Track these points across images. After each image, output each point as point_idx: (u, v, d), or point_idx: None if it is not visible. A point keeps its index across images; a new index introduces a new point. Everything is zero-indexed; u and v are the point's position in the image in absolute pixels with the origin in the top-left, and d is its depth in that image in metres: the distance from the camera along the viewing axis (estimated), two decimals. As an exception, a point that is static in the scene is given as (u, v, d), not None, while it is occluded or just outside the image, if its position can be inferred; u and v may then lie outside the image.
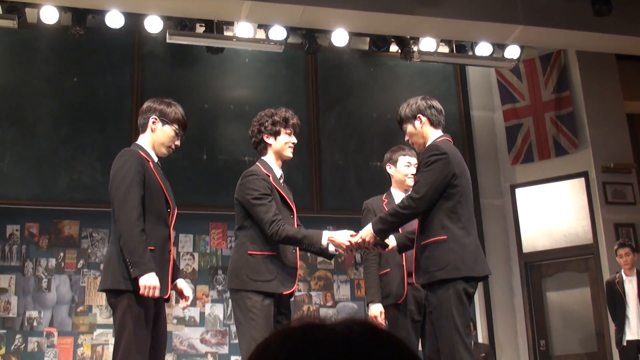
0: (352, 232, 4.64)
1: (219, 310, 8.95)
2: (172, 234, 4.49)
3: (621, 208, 9.62)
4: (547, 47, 9.97)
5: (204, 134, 9.24)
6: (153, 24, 8.50)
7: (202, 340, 8.82)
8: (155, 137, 4.57)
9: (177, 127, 4.66)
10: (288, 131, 4.83)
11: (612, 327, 8.56)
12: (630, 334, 8.19)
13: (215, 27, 8.64)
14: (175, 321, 8.78)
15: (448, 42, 9.46)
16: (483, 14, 8.60)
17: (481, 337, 9.69)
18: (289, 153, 4.85)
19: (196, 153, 9.24)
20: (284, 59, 9.78)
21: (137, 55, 9.44)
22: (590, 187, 9.75)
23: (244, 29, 8.58)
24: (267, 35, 8.73)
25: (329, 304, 9.39)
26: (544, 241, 9.90)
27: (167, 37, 8.49)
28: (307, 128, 9.72)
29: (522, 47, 9.61)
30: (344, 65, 10.25)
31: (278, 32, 8.72)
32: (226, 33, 8.72)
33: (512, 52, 9.59)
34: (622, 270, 8.35)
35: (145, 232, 4.20)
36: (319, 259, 9.28)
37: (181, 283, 4.58)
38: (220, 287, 8.92)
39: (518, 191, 10.23)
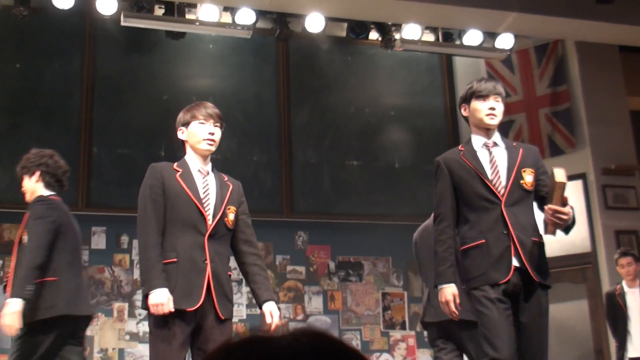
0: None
1: (176, 325, 8.52)
2: (208, 243, 4.37)
3: (622, 214, 9.45)
4: (543, 36, 9.82)
5: (163, 128, 8.95)
6: (106, 5, 8.25)
7: (158, 359, 8.36)
8: (190, 142, 4.58)
9: (198, 117, 4.55)
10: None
11: (613, 343, 8.42)
12: (633, 351, 8.00)
13: (176, 9, 8.39)
14: (127, 337, 8.52)
15: (433, 30, 9.30)
16: None
17: (467, 355, 9.36)
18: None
19: (153, 149, 9.03)
20: (252, 45, 9.64)
21: (88, 40, 9.23)
22: (589, 190, 9.58)
23: (208, 12, 8.37)
24: (233, 19, 8.53)
25: (300, 317, 9.20)
26: (537, 249, 9.58)
27: (121, 19, 8.23)
28: (277, 123, 9.63)
29: (515, 37, 9.45)
30: (318, 54, 10.12)
31: (246, 16, 8.50)
32: (188, 16, 8.49)
33: (504, 41, 9.40)
34: (624, 282, 8.35)
35: (166, 245, 4.32)
36: (289, 267, 9.02)
37: (267, 307, 4.47)
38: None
39: (509, 194, 9.88)
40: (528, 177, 4.52)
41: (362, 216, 9.57)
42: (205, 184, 4.50)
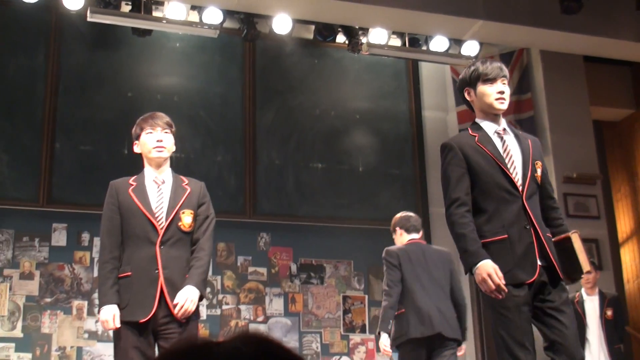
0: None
1: (135, 324, 8.49)
2: (160, 250, 4.51)
3: (584, 222, 9.44)
4: (508, 44, 9.86)
5: (126, 125, 8.62)
6: (72, 0, 8.18)
7: (117, 357, 8.34)
8: (143, 153, 4.73)
9: (145, 127, 4.71)
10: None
11: None
12: (591, 359, 8.14)
13: (142, 6, 8.36)
14: (86, 335, 8.44)
15: (400, 35, 9.33)
16: (440, 6, 8.53)
17: (426, 359, 9.41)
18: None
19: (116, 147, 8.94)
20: (218, 45, 9.57)
21: (54, 35, 9.10)
22: None
23: (175, 10, 8.35)
24: (200, 18, 8.50)
25: (260, 319, 9.14)
26: (499, 256, 9.62)
27: (88, 15, 8.16)
28: (242, 123, 9.55)
29: (481, 44, 9.48)
30: (285, 56, 10.05)
31: (213, 15, 8.48)
32: (155, 13, 8.47)
33: (470, 48, 9.43)
34: (582, 289, 8.36)
35: (123, 259, 4.52)
36: (250, 268, 9.01)
37: (181, 292, 4.48)
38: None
39: (471, 200, 9.93)
40: (539, 170, 4.31)
41: (325, 219, 9.55)
42: (160, 192, 4.62)
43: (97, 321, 8.39)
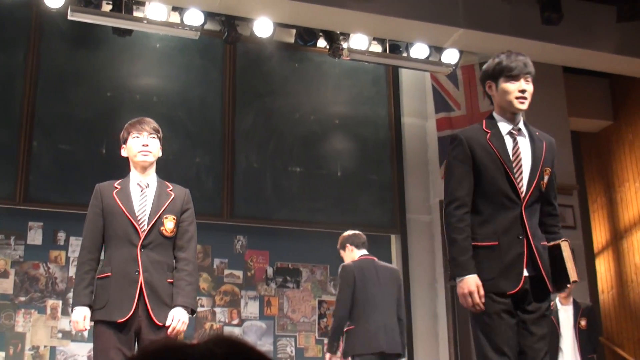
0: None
1: (110, 324, 8.48)
2: (141, 253, 4.57)
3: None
4: (488, 53, 9.65)
5: (105, 125, 8.88)
6: None
7: (90, 358, 8.37)
8: (130, 157, 4.81)
9: (132, 132, 4.78)
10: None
11: None
12: None
13: (123, 6, 8.30)
14: (60, 335, 8.44)
15: (381, 41, 9.33)
16: (421, 13, 8.48)
17: (400, 365, 9.46)
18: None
19: (94, 146, 8.92)
20: (199, 47, 9.56)
21: (34, 32, 9.06)
22: None
23: (156, 11, 8.30)
24: (182, 19, 8.46)
25: (235, 322, 9.16)
26: (473, 264, 9.66)
27: (68, 13, 8.10)
28: (221, 126, 9.54)
29: (461, 52, 9.48)
30: (266, 59, 10.05)
31: (194, 17, 8.44)
32: (136, 13, 8.41)
33: (450, 56, 9.45)
34: (557, 299, 8.34)
35: (104, 260, 4.62)
36: (226, 270, 9.03)
37: (172, 311, 4.56)
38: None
39: (448, 208, 9.98)
40: (546, 178, 4.14)
41: (302, 223, 9.57)
42: (143, 196, 4.68)
43: (71, 321, 8.40)
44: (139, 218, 4.60)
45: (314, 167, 9.87)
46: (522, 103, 4.16)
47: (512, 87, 4.15)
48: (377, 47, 9.31)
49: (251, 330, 9.08)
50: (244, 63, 9.90)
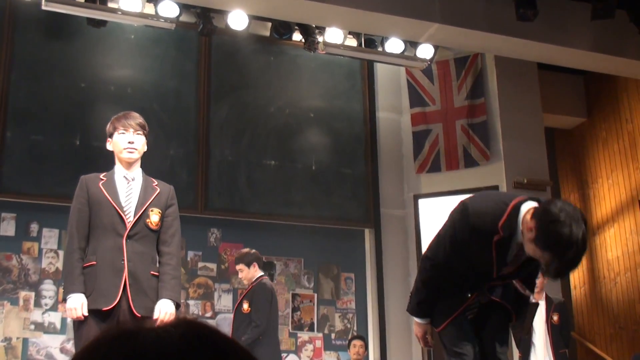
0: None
1: (83, 316, 8.49)
2: (127, 244, 4.61)
3: None
4: (463, 49, 9.97)
5: (79, 116, 8.89)
6: None
7: (63, 350, 8.46)
8: (115, 152, 4.84)
9: (119, 127, 4.81)
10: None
11: (517, 353, 8.52)
12: None
13: None
14: (32, 327, 8.45)
15: (357, 35, 9.35)
16: (396, 8, 8.48)
17: None
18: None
19: (68, 137, 8.89)
20: (174, 38, 9.56)
21: (7, 23, 9.02)
22: None
23: (130, 2, 8.30)
24: (156, 11, 8.45)
25: (208, 314, 9.20)
26: (446, 258, 9.74)
27: (42, 3, 8.05)
28: (195, 118, 9.55)
29: (436, 47, 9.54)
30: (241, 52, 10.06)
31: (169, 8, 8.43)
32: (110, 4, 8.38)
33: (425, 51, 9.51)
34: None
35: (89, 249, 4.62)
36: (200, 263, 9.08)
37: (159, 304, 4.62)
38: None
39: (422, 202, 10.15)
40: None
41: (277, 216, 9.60)
42: (129, 188, 4.73)
43: (45, 312, 8.42)
44: (125, 209, 4.65)
45: (289, 160, 9.90)
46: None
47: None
48: (352, 41, 9.33)
49: (225, 323, 9.08)
50: (219, 56, 9.90)
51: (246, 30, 8.94)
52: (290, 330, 9.45)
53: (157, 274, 4.66)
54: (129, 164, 4.79)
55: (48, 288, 8.52)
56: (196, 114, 9.54)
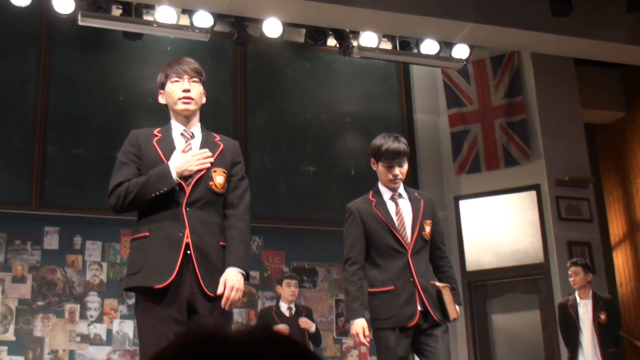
0: None
1: (128, 328, 8.64)
2: (187, 212, 3.98)
3: (576, 225, 9.57)
4: (499, 47, 9.91)
5: (118, 129, 8.93)
6: (63, 4, 8.22)
7: (110, 361, 8.49)
8: (169, 105, 4.26)
9: (171, 75, 4.21)
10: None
11: (565, 353, 8.50)
12: None
13: (133, 10, 8.37)
14: (78, 339, 8.53)
15: (391, 38, 9.35)
16: (430, 9, 8.49)
17: (419, 362, 9.50)
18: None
19: (107, 150, 8.94)
20: (209, 49, 9.58)
21: (45, 39, 9.14)
22: (543, 201, 9.70)
23: (165, 14, 8.37)
24: (191, 22, 8.53)
25: (252, 323, 9.06)
26: (489, 259, 9.77)
27: (79, 19, 8.19)
28: (234, 127, 9.57)
29: (471, 47, 9.53)
30: (276, 59, 10.10)
31: (204, 19, 8.52)
32: (146, 17, 8.47)
33: (461, 51, 9.49)
34: (576, 293, 8.26)
35: (140, 220, 4.08)
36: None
37: (223, 277, 3.96)
38: (130, 302, 8.53)
39: (462, 203, 10.12)
40: (427, 229, 5.03)
41: (317, 222, 9.59)
42: (188, 146, 4.15)
43: (90, 323, 8.52)
44: None
45: (327, 165, 9.92)
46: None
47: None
48: (387, 44, 9.34)
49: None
50: (254, 64, 9.95)
51: (281, 37, 8.98)
52: (335, 337, 9.45)
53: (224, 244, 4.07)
54: (186, 118, 4.20)
55: (93, 300, 8.61)
56: (234, 123, 9.57)
